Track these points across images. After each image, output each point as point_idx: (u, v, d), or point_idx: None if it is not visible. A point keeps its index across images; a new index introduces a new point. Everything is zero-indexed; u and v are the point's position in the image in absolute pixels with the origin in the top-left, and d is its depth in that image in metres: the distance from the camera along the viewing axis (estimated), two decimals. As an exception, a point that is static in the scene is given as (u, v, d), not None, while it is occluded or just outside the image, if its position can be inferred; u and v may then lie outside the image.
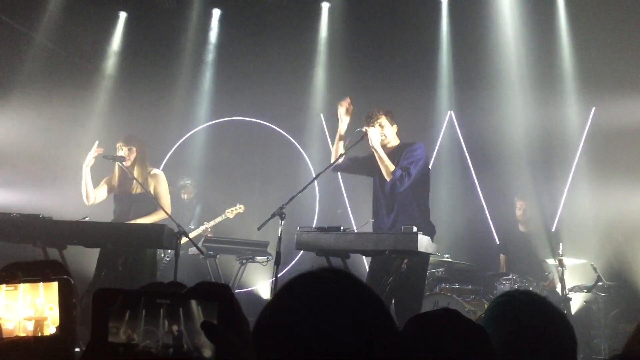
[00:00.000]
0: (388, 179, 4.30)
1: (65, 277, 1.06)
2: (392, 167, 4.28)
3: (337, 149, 4.55)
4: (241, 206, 6.82)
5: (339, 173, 6.21)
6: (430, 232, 4.26)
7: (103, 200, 5.29)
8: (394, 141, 4.49)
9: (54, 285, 1.04)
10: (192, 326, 0.81)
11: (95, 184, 5.25)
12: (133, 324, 0.81)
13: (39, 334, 1.03)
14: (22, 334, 1.02)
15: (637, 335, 1.53)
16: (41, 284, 1.04)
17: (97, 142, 5.08)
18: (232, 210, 6.74)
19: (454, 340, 1.40)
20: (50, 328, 1.03)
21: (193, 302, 0.82)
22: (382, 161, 4.30)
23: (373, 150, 4.33)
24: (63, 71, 7.61)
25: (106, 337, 0.82)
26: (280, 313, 1.02)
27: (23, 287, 1.04)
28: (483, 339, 1.44)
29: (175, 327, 0.81)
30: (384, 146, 4.41)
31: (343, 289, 1.03)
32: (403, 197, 4.34)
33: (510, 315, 1.65)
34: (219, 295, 0.83)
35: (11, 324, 1.02)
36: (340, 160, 4.48)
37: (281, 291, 1.06)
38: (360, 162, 4.62)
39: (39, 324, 1.03)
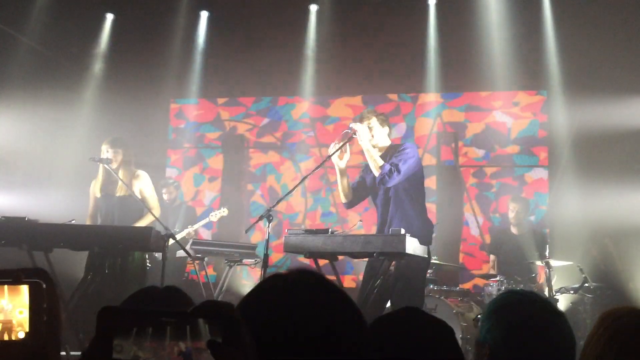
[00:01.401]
0: (376, 174, 4.23)
1: (36, 280, 1.04)
2: (380, 162, 4.21)
3: (344, 185, 4.46)
4: (225, 210, 6.79)
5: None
6: (427, 231, 4.27)
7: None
8: (384, 142, 4.44)
9: (23, 288, 1.03)
10: (199, 344, 0.81)
11: (85, 192, 5.23)
12: (139, 342, 0.81)
13: (5, 338, 1.01)
14: None
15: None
16: (6, 286, 1.02)
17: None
18: (215, 214, 6.69)
19: (418, 338, 1.41)
20: (20, 333, 1.02)
21: (200, 320, 0.82)
22: (371, 156, 4.22)
23: (362, 146, 4.30)
24: (49, 73, 7.56)
25: (110, 355, 0.81)
26: (248, 313, 1.02)
27: None
28: (447, 335, 1.45)
29: (182, 345, 0.81)
30: (373, 147, 4.38)
31: (311, 289, 1.04)
32: (397, 198, 4.32)
33: (509, 312, 1.66)
34: (224, 314, 0.83)
35: None
36: (349, 198, 4.46)
37: (250, 293, 1.06)
38: (361, 184, 4.54)
39: (5, 327, 1.01)
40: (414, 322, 1.46)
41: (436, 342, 1.43)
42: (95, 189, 5.21)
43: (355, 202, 4.56)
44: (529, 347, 1.58)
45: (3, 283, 1.03)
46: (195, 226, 6.65)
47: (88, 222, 5.13)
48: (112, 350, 0.81)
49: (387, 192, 4.31)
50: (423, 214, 4.38)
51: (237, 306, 1.04)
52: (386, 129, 4.46)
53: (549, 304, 1.70)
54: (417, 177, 4.38)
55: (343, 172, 4.42)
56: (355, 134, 4.28)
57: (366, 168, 4.51)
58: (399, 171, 4.18)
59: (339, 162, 4.37)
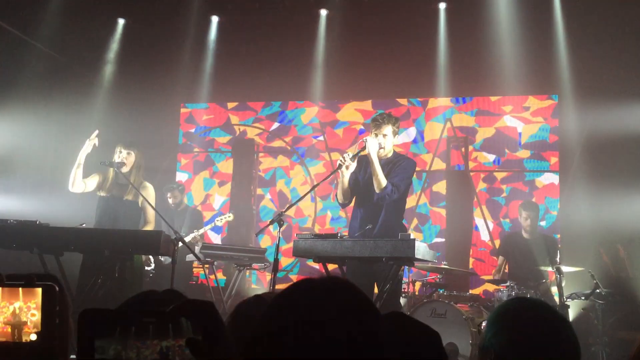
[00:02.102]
0: (378, 191, 4.34)
1: (49, 283, 1.05)
2: (384, 183, 4.33)
3: (345, 186, 4.53)
4: (231, 215, 6.80)
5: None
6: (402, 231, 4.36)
7: (86, 191, 5.17)
8: (390, 153, 4.54)
9: (37, 291, 1.04)
10: (182, 341, 0.82)
11: (89, 174, 5.22)
12: (123, 341, 0.83)
13: (18, 340, 1.02)
14: (1, 339, 1.02)
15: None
16: (20, 289, 1.04)
17: (97, 132, 5.07)
18: (221, 219, 6.69)
19: (404, 342, 1.41)
20: (32, 335, 1.03)
21: (183, 319, 0.83)
22: (376, 174, 4.33)
23: (370, 160, 4.34)
24: (61, 78, 7.62)
25: (92, 355, 0.83)
26: (277, 319, 1.02)
27: (2, 291, 1.04)
28: (433, 339, 1.45)
29: (164, 343, 0.83)
30: (379, 157, 4.42)
31: (340, 296, 1.04)
32: (388, 206, 4.42)
33: (514, 319, 1.65)
34: (204, 312, 0.84)
35: None
36: (347, 199, 4.58)
37: (279, 297, 1.06)
38: (356, 184, 4.61)
39: (17, 329, 1.02)
40: (400, 327, 1.46)
41: (422, 346, 1.44)
42: (100, 185, 5.20)
43: (350, 202, 4.67)
44: (533, 353, 1.58)
45: (17, 285, 1.04)
46: (201, 230, 6.66)
47: (72, 183, 5.04)
48: (94, 351, 0.82)
49: (380, 199, 4.39)
50: (400, 216, 4.57)
51: (267, 307, 1.04)
52: (396, 138, 4.53)
53: (554, 312, 1.69)
54: (406, 190, 4.57)
55: (348, 175, 4.50)
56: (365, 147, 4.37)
57: (360, 165, 4.56)
58: (399, 191, 4.37)
59: (350, 165, 4.43)
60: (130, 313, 0.85)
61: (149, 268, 6.07)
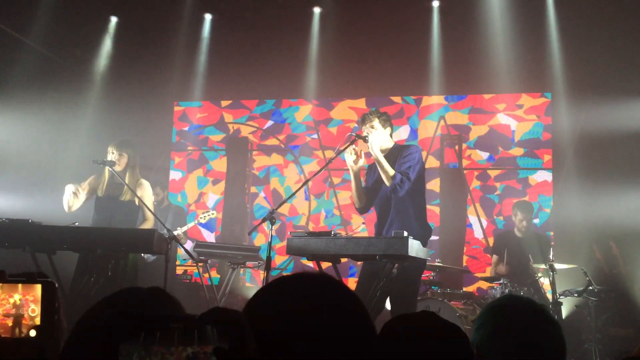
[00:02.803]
0: (388, 184, 4.23)
1: (49, 280, 1.06)
2: (392, 172, 4.22)
3: (358, 188, 4.46)
4: (214, 211, 6.77)
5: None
6: (424, 234, 4.26)
7: (81, 205, 5.16)
8: (386, 144, 4.45)
9: (36, 287, 1.05)
10: (207, 349, 0.82)
11: (83, 177, 5.21)
12: (147, 346, 0.82)
13: (18, 334, 1.03)
14: (2, 332, 1.03)
15: None
16: (20, 285, 1.05)
17: (72, 187, 5.01)
18: (204, 216, 6.65)
19: (432, 341, 1.40)
20: (31, 331, 1.03)
21: (208, 326, 0.83)
22: (382, 167, 4.23)
23: (373, 155, 4.30)
24: (53, 75, 7.59)
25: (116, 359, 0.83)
26: (257, 313, 1.03)
27: (2, 287, 1.05)
28: (461, 340, 1.45)
29: (189, 349, 0.82)
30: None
31: (321, 290, 1.04)
32: (399, 200, 4.30)
33: (497, 313, 1.66)
34: (231, 321, 0.84)
35: None
36: (362, 202, 4.49)
37: (257, 294, 1.07)
38: (373, 186, 4.52)
39: (17, 321, 1.03)
40: (429, 325, 1.45)
41: (451, 347, 1.43)
42: (96, 185, 5.17)
43: (369, 205, 4.55)
44: (510, 348, 1.58)
45: (17, 281, 1.05)
46: (184, 228, 6.61)
47: (65, 201, 5.05)
48: (117, 354, 0.82)
49: (392, 191, 4.29)
50: (422, 216, 4.40)
51: (245, 306, 1.05)
52: (388, 129, 4.45)
53: (541, 311, 1.67)
54: (420, 180, 4.40)
55: (357, 176, 4.40)
56: (358, 137, 4.31)
57: (370, 169, 4.52)
58: (409, 179, 4.21)
59: (353, 165, 4.34)
60: (158, 318, 0.84)
61: (152, 258, 6.09)
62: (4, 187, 6.94)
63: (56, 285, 1.07)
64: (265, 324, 0.98)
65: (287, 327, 0.98)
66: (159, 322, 0.84)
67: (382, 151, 4.36)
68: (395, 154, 4.38)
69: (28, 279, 1.06)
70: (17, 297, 1.04)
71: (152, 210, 5.08)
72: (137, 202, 5.09)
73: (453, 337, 1.44)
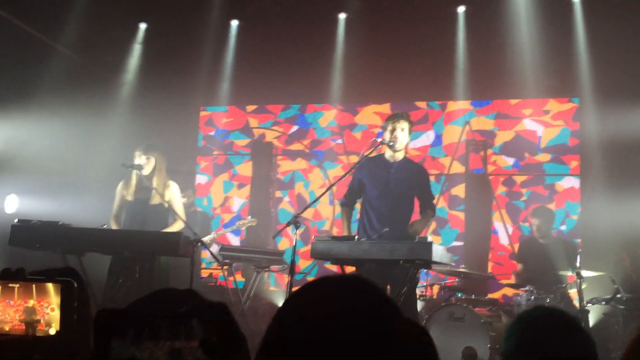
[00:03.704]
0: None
1: (68, 279, 1.08)
2: (430, 219, 4.73)
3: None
4: (254, 219, 6.82)
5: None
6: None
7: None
8: (403, 151, 4.58)
9: (50, 290, 1.06)
10: (192, 343, 0.84)
11: (111, 196, 5.32)
12: (136, 342, 0.84)
13: (33, 334, 1.05)
14: (18, 333, 1.05)
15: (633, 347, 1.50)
16: (34, 286, 1.06)
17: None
18: (243, 222, 6.71)
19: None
20: (51, 330, 1.05)
21: (194, 320, 0.84)
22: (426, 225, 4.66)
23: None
24: (84, 81, 7.73)
25: (108, 355, 0.84)
26: (292, 315, 1.02)
27: (17, 287, 1.06)
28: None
29: (176, 344, 0.84)
30: (395, 151, 4.50)
31: (358, 294, 1.03)
32: (400, 206, 4.51)
33: (526, 325, 1.65)
34: (218, 314, 0.85)
35: (6, 322, 1.04)
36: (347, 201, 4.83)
37: (294, 295, 1.06)
38: (356, 191, 4.77)
39: (31, 326, 1.05)
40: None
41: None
42: (126, 191, 5.28)
43: (352, 206, 4.88)
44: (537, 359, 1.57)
45: (35, 280, 1.07)
46: (221, 232, 6.72)
47: (112, 222, 5.19)
48: (110, 352, 0.84)
49: (398, 199, 4.49)
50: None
51: (281, 306, 1.04)
52: (409, 137, 4.60)
53: (569, 322, 1.66)
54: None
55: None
56: (383, 143, 4.44)
57: (362, 168, 4.66)
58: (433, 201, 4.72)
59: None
60: (144, 314, 0.86)
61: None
62: (35, 190, 7.09)
63: (75, 284, 1.08)
64: (301, 327, 0.97)
65: (322, 331, 0.97)
66: (146, 317, 0.85)
67: (396, 158, 4.57)
68: (407, 170, 4.57)
69: (47, 277, 1.07)
70: (30, 304, 1.06)
71: (182, 211, 5.14)
72: (167, 204, 5.15)
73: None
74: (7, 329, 1.07)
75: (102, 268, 5.00)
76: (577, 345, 1.61)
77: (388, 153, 4.61)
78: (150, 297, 1.28)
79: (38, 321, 1.07)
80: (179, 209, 5.18)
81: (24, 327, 1.07)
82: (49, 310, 1.07)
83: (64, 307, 1.07)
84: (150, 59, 8.24)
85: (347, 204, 4.79)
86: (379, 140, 4.46)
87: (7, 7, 6.66)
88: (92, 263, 4.68)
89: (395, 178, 4.52)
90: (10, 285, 1.07)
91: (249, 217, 6.88)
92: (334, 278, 1.08)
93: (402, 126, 4.47)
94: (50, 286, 1.07)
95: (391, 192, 4.49)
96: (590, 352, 1.61)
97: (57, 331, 1.06)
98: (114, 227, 5.13)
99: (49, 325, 1.08)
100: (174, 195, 5.21)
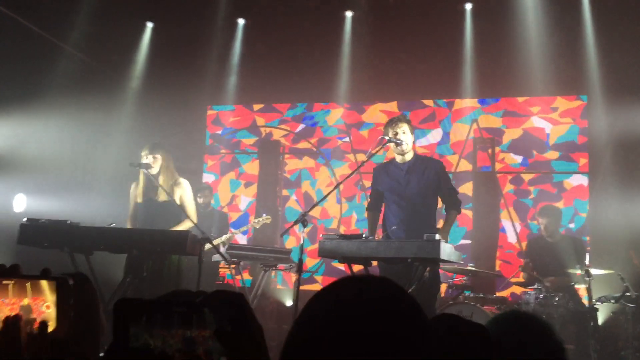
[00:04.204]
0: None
1: (63, 276, 1.08)
2: (455, 219, 4.64)
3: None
4: (268, 217, 6.84)
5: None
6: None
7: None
8: (411, 151, 4.59)
9: (45, 288, 1.06)
10: (204, 332, 0.84)
11: (125, 196, 5.33)
12: (149, 329, 0.85)
13: (29, 332, 1.05)
14: (13, 330, 1.05)
15: None
16: (28, 283, 1.06)
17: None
18: (258, 221, 6.76)
19: (455, 343, 1.41)
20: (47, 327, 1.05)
21: (206, 310, 0.85)
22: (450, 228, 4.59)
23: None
24: (91, 80, 7.76)
25: (127, 343, 0.85)
26: (317, 315, 1.01)
27: (12, 285, 1.06)
28: (484, 340, 1.45)
29: (188, 333, 0.85)
30: (402, 154, 4.49)
31: (383, 293, 1.03)
32: (420, 206, 4.48)
33: (491, 329, 1.67)
34: (233, 303, 0.85)
35: (1, 320, 1.04)
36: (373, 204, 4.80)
37: (319, 294, 1.05)
38: (379, 198, 4.77)
39: (28, 322, 1.05)
40: (452, 327, 1.47)
41: (473, 347, 1.45)
42: (136, 192, 5.29)
43: (379, 209, 4.80)
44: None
45: (36, 278, 1.07)
46: (236, 231, 6.77)
47: (128, 224, 5.23)
48: (128, 339, 0.85)
49: (417, 200, 4.48)
50: (434, 219, 4.68)
51: (308, 302, 1.04)
52: (412, 137, 4.65)
53: (537, 328, 1.68)
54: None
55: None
56: (390, 141, 4.43)
57: (380, 172, 4.69)
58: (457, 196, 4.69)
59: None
60: (162, 302, 0.87)
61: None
62: (43, 188, 7.12)
63: (70, 282, 1.08)
64: (324, 326, 0.96)
65: (345, 329, 0.96)
66: (162, 305, 0.86)
67: (406, 159, 4.57)
68: (422, 166, 4.57)
69: (42, 274, 1.07)
70: (25, 302, 1.06)
71: (193, 209, 5.14)
72: (177, 201, 5.14)
73: (473, 336, 1.46)
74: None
75: (113, 267, 5.01)
76: (545, 349, 1.63)
77: (398, 157, 4.60)
78: (163, 298, 1.28)
79: (34, 320, 1.07)
80: (190, 206, 5.17)
81: (20, 324, 1.07)
82: (44, 308, 1.07)
83: (59, 305, 1.07)
84: (157, 58, 8.26)
85: (372, 208, 4.80)
86: (386, 138, 4.46)
87: (15, 7, 6.69)
88: (103, 262, 4.69)
89: (410, 179, 4.53)
90: (5, 282, 1.07)
91: (264, 215, 6.88)
92: (363, 278, 1.07)
93: (403, 129, 4.49)
94: (44, 283, 1.07)
95: (409, 195, 4.49)
96: (558, 357, 1.63)
97: (53, 330, 1.07)
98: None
99: (50, 322, 1.08)
100: (185, 192, 5.20)
